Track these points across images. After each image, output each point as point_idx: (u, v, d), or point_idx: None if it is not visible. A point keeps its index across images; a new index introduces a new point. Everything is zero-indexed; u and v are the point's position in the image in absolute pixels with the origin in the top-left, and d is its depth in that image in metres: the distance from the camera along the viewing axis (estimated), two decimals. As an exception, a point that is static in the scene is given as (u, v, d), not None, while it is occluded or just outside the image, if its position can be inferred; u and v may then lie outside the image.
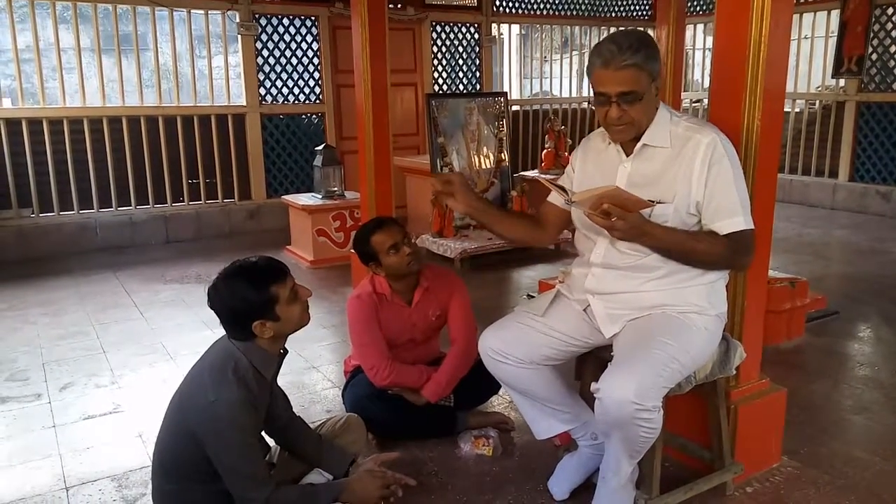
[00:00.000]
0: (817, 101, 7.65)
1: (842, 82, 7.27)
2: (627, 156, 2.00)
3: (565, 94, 8.78)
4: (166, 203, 6.42)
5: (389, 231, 2.57)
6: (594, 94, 1.93)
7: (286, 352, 2.00)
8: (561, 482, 2.25)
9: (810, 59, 7.65)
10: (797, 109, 7.81)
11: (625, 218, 1.78)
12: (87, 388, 3.22)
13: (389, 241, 2.54)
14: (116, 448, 2.66)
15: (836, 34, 7.17)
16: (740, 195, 1.91)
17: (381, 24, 4.28)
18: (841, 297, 4.29)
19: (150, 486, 2.30)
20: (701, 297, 1.96)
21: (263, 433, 2.07)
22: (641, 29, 1.94)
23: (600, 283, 2.04)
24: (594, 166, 2.11)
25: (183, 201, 6.50)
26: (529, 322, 2.14)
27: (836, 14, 7.17)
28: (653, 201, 1.87)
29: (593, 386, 1.83)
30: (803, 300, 3.66)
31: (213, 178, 6.62)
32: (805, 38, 7.69)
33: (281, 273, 1.91)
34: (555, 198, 2.15)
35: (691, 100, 8.99)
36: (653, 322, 1.93)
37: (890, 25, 6.80)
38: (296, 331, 1.95)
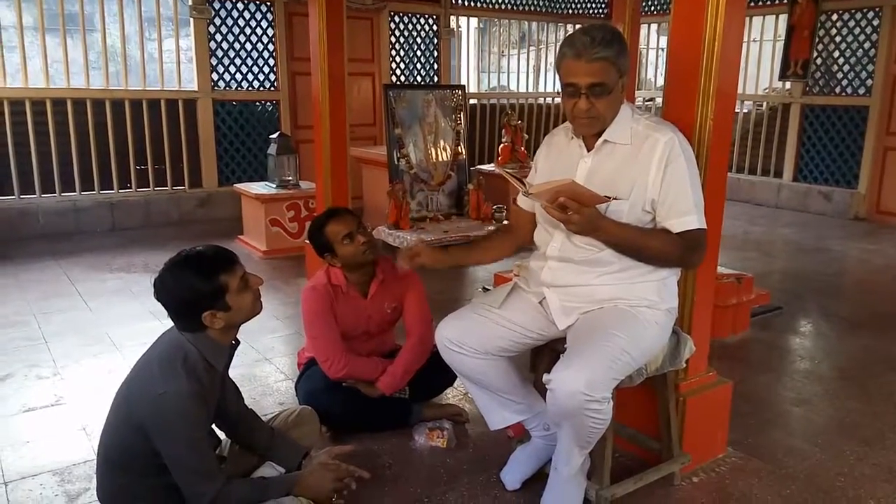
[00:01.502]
0: (764, 103, 7.88)
1: (788, 85, 7.49)
2: (588, 151, 2.03)
3: (522, 90, 8.84)
4: (113, 189, 6.22)
5: (343, 220, 2.55)
6: (563, 85, 1.94)
7: (238, 343, 1.96)
8: (513, 472, 2.27)
9: (759, 61, 7.87)
10: (745, 110, 8.03)
11: (580, 212, 1.81)
12: (27, 380, 3.10)
13: (344, 231, 2.52)
14: (58, 441, 2.57)
15: (783, 38, 7.39)
16: (695, 194, 1.95)
17: (339, 12, 4.24)
18: (784, 293, 4.44)
19: (94, 481, 2.25)
20: (652, 293, 2.00)
21: (214, 426, 2.03)
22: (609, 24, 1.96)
23: (556, 276, 2.06)
24: (556, 161, 2.13)
25: (130, 188, 6.32)
26: (486, 313, 2.15)
27: (783, 18, 7.38)
28: (608, 197, 1.89)
29: (545, 377, 1.85)
30: (749, 296, 3.77)
31: (163, 164, 6.45)
32: (754, 41, 7.90)
33: (230, 261, 1.86)
34: (522, 200, 2.16)
35: (644, 98, 9.14)
36: (605, 315, 1.96)
37: (834, 31, 7.04)
38: (248, 320, 1.91)
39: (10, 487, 2.28)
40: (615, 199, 1.91)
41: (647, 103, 9.15)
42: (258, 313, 1.93)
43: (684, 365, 2.20)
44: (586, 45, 1.85)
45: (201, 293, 1.79)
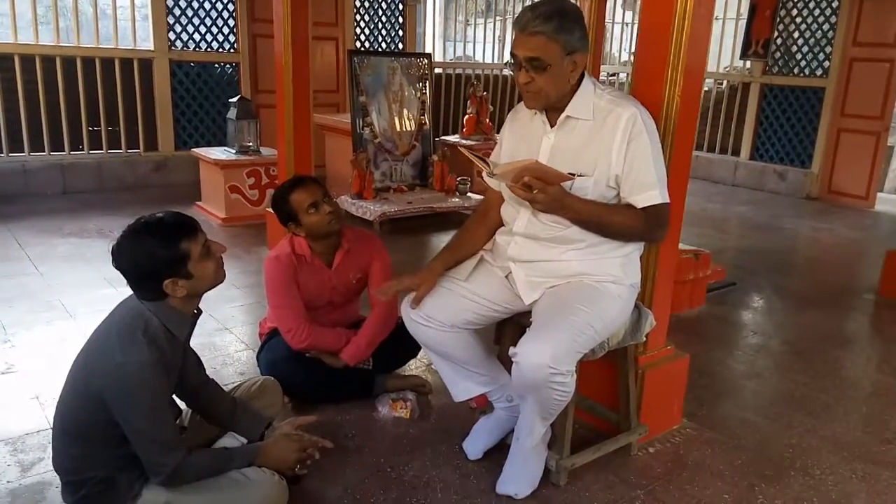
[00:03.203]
0: (724, 81, 7.99)
1: (748, 64, 7.60)
2: (552, 127, 2.03)
3: (487, 60, 8.77)
4: (64, 151, 6.00)
5: (309, 189, 2.50)
6: (510, 57, 1.96)
7: (200, 312, 1.92)
8: (476, 442, 2.30)
9: (721, 40, 7.95)
10: (706, 88, 8.12)
11: (545, 191, 1.83)
12: (-25, 347, 3.01)
13: (309, 200, 2.48)
14: (10, 411, 2.51)
15: (745, 17, 7.47)
16: (657, 170, 1.97)
17: (304, -29, 4.11)
18: (738, 270, 4.56)
19: (48, 451, 2.21)
20: (617, 268, 2.02)
21: (174, 396, 2.00)
22: (566, 1, 1.96)
23: (522, 252, 2.07)
24: (520, 137, 2.12)
25: (83, 150, 6.09)
26: (452, 287, 2.15)
27: (747, -2, 7.46)
28: (573, 174, 1.90)
29: (511, 350, 1.87)
30: (705, 272, 3.86)
31: (117, 126, 6.23)
32: (717, 19, 7.96)
33: (191, 228, 1.81)
34: (489, 179, 2.16)
35: (608, 73, 9.17)
36: (570, 290, 1.99)
37: (795, 12, 7.14)
38: (211, 288, 1.88)
39: (-41, 457, 2.22)
40: (579, 175, 1.93)
41: (610, 77, 9.19)
42: (221, 282, 1.89)
43: (644, 339, 2.25)
44: (528, 20, 1.88)
45: (162, 260, 1.75)
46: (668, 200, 1.98)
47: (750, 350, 3.38)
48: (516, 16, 1.95)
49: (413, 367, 2.92)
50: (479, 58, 8.79)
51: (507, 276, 2.13)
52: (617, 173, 1.95)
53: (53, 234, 4.78)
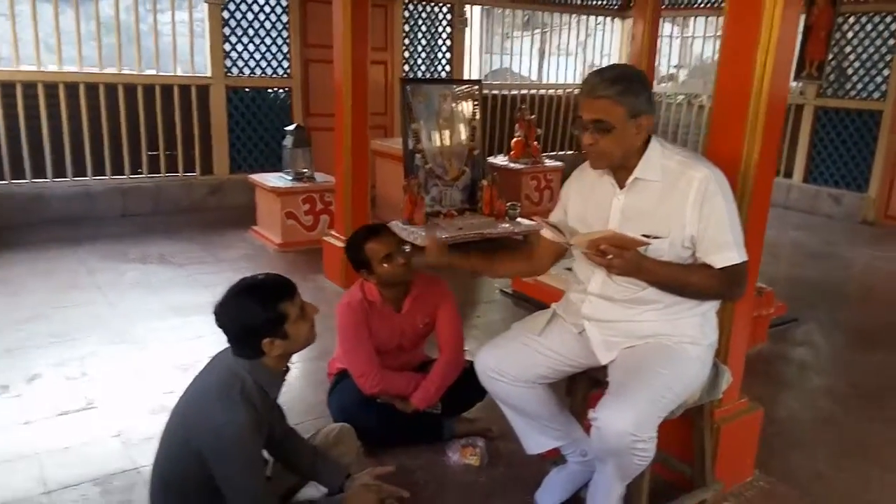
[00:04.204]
0: (777, 102, 7.85)
1: (801, 85, 7.48)
2: (621, 188, 2.04)
3: (525, 72, 8.76)
4: (124, 175, 6.19)
5: (384, 240, 2.55)
6: (575, 119, 2.03)
7: (288, 369, 1.99)
8: (549, 495, 2.32)
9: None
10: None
11: (621, 256, 1.85)
12: (56, 381, 3.12)
13: (384, 251, 2.53)
14: (95, 448, 2.60)
15: (800, 38, 7.36)
16: (733, 229, 1.96)
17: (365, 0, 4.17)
18: (796, 302, 4.47)
19: (134, 492, 2.30)
20: (695, 328, 2.02)
21: (260, 448, 2.06)
22: (632, 66, 2.02)
23: (597, 311, 2.08)
24: (588, 197, 2.14)
25: (142, 173, 6.28)
26: (526, 341, 2.18)
27: (801, 18, 7.35)
28: (648, 237, 1.91)
29: (591, 414, 1.88)
30: (768, 309, 3.81)
31: (174, 150, 6.41)
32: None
33: (289, 291, 1.88)
34: (546, 232, 2.17)
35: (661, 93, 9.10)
36: (648, 351, 1.99)
37: (851, 34, 7.02)
38: (303, 349, 1.94)
39: (53, 497, 2.31)
40: (654, 237, 1.93)
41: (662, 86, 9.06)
42: (313, 342, 1.95)
43: (721, 395, 2.24)
44: (594, 84, 1.93)
45: (262, 321, 1.82)
46: (745, 259, 1.98)
47: (816, 393, 3.33)
48: (583, 80, 2.01)
49: (478, 407, 2.93)
50: (515, 69, 8.79)
51: (580, 333, 2.15)
52: (692, 234, 1.95)
53: (118, 259, 4.93)
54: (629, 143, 1.97)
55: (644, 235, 1.90)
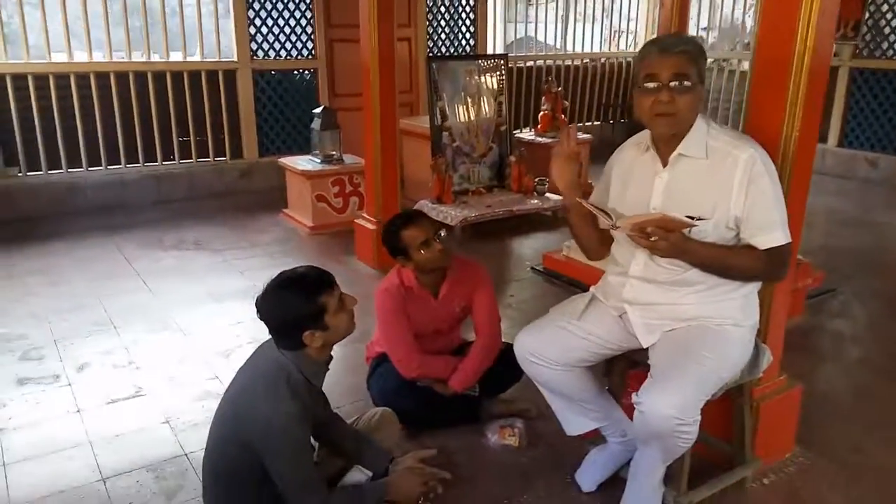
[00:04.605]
0: (810, 65, 7.65)
1: (835, 47, 7.26)
2: (664, 166, 2.02)
3: (549, 41, 8.61)
4: (157, 162, 6.28)
5: (421, 227, 2.57)
6: (644, 79, 1.93)
7: (331, 358, 2.03)
8: (590, 475, 2.35)
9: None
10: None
11: (667, 238, 1.84)
12: (104, 369, 3.22)
13: (421, 237, 2.55)
14: (146, 436, 2.69)
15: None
16: (779, 210, 1.95)
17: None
18: (833, 273, 4.39)
19: (187, 477, 2.39)
20: (737, 310, 2.02)
21: (307, 434, 2.12)
22: None
23: (638, 294, 2.08)
24: (629, 176, 2.12)
25: (174, 160, 6.36)
26: (565, 325, 2.19)
27: (834, -23, 7.11)
28: (693, 218, 1.89)
29: (634, 398, 1.89)
30: (805, 280, 3.76)
31: (204, 136, 6.47)
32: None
33: (328, 283, 1.92)
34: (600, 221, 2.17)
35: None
36: (691, 335, 1.99)
37: (888, -9, 6.78)
38: (343, 339, 1.98)
39: (108, 484, 2.40)
40: (699, 219, 1.92)
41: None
42: (352, 332, 1.99)
43: (761, 374, 2.24)
44: (671, 42, 1.93)
45: (303, 314, 1.86)
46: (790, 240, 1.97)
47: (854, 365, 3.30)
48: (650, 43, 1.97)
49: (516, 388, 2.97)
50: (540, 38, 8.64)
51: (620, 316, 2.15)
52: (737, 215, 1.94)
53: (155, 246, 5.03)
54: (696, 108, 1.96)
55: (688, 216, 1.88)
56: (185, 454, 2.57)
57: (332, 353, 2.03)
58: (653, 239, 1.85)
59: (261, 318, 1.91)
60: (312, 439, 2.22)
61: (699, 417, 1.87)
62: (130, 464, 2.51)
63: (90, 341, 3.50)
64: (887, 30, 6.86)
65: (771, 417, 2.39)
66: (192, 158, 6.44)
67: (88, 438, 2.67)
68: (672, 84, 1.89)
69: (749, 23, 8.50)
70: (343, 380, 3.12)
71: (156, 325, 3.70)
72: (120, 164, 6.12)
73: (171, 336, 3.58)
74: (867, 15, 6.91)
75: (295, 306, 1.86)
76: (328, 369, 2.02)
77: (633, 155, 2.12)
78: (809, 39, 2.05)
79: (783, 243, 1.95)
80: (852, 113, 7.23)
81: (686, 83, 1.89)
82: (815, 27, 2.03)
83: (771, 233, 1.94)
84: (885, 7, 6.82)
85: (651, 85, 1.91)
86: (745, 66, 7.87)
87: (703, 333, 1.98)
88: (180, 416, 2.83)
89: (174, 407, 2.89)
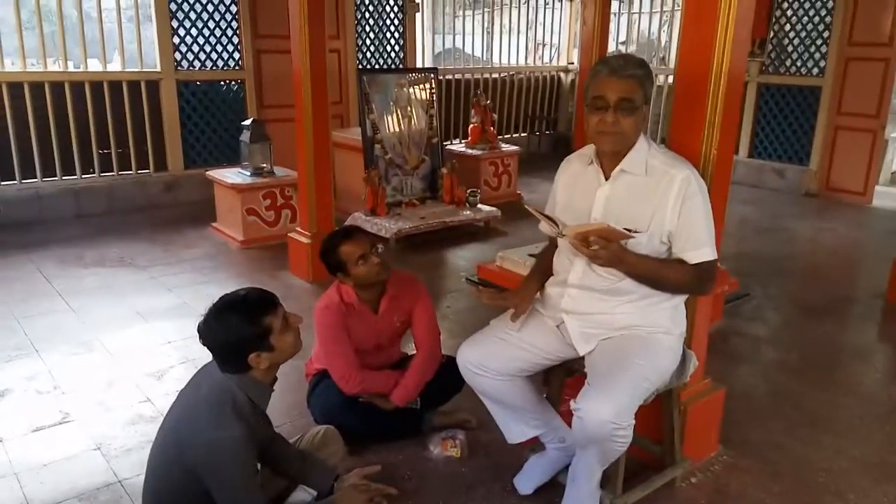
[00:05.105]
0: (722, 80, 8.08)
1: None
2: (606, 179, 2.13)
3: (477, 54, 8.78)
4: (76, 175, 6.03)
5: (358, 242, 2.59)
6: (592, 100, 2.04)
7: (276, 379, 2.02)
8: (528, 479, 2.42)
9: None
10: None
11: (607, 248, 1.94)
12: (27, 395, 3.08)
13: (358, 252, 2.57)
14: (76, 464, 2.59)
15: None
16: (708, 228, 2.09)
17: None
18: (747, 278, 4.65)
19: (122, 506, 2.31)
20: (667, 319, 2.14)
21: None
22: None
23: (576, 304, 2.18)
24: (573, 188, 2.23)
25: (94, 173, 6.13)
26: (505, 336, 2.26)
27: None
28: (629, 230, 2.00)
29: (573, 405, 1.98)
30: (722, 286, 3.96)
31: (126, 147, 6.26)
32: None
33: (272, 303, 1.92)
34: (545, 227, 2.25)
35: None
36: (625, 342, 2.10)
37: (790, 12, 7.25)
38: (289, 358, 1.98)
39: (38, 517, 2.31)
40: (636, 232, 2.03)
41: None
42: (299, 350, 1.99)
43: (688, 379, 2.37)
44: (621, 64, 2.02)
45: (247, 336, 1.85)
46: (717, 257, 2.10)
47: (771, 366, 3.52)
48: (600, 63, 2.06)
49: (454, 399, 3.02)
50: (468, 49, 8.80)
51: (558, 326, 2.24)
52: (670, 230, 2.06)
53: (76, 264, 4.83)
54: (639, 128, 2.08)
55: (625, 229, 1.99)
56: (119, 481, 2.49)
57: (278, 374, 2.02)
58: (594, 248, 1.95)
59: (203, 344, 1.88)
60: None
61: (633, 421, 1.97)
62: (61, 494, 2.41)
63: (11, 366, 3.33)
64: (790, 48, 7.33)
65: (697, 419, 2.53)
66: (113, 171, 6.21)
67: (13, 469, 2.54)
68: (618, 106, 2.00)
69: (664, 38, 8.92)
70: (283, 398, 3.07)
71: (80, 348, 3.56)
72: (36, 177, 5.85)
73: (97, 358, 3.45)
74: (772, 34, 7.37)
75: (239, 329, 1.85)
76: (273, 390, 2.02)
77: (578, 168, 2.23)
78: (725, 63, 2.20)
79: (711, 259, 2.08)
80: (760, 126, 7.68)
81: (632, 107, 2.01)
82: (730, 51, 2.18)
83: (700, 248, 2.07)
84: (788, 27, 7.29)
85: (599, 104, 2.02)
86: (661, 79, 8.24)
87: (636, 341, 2.09)
88: (112, 441, 2.74)
89: (105, 433, 2.79)
